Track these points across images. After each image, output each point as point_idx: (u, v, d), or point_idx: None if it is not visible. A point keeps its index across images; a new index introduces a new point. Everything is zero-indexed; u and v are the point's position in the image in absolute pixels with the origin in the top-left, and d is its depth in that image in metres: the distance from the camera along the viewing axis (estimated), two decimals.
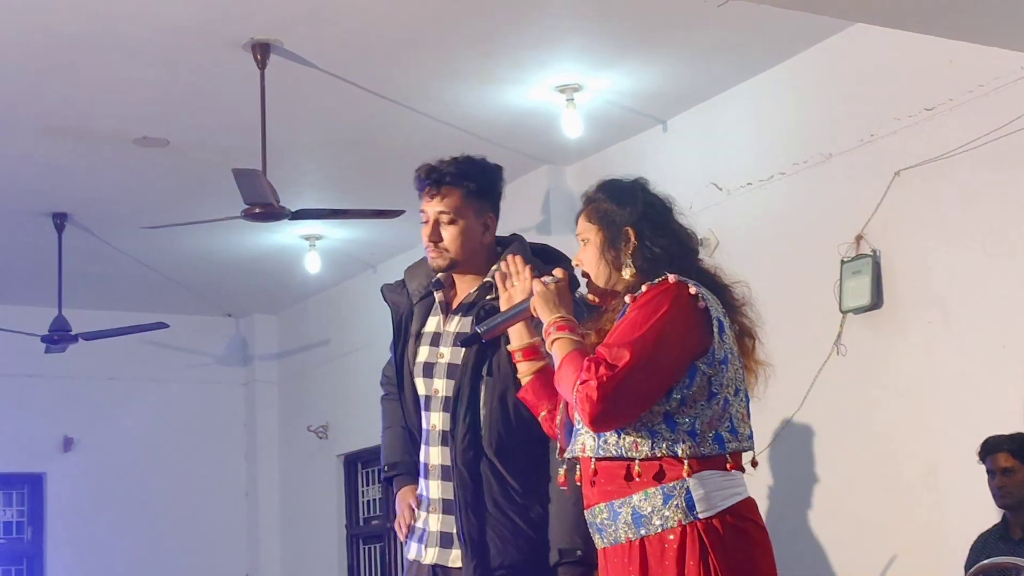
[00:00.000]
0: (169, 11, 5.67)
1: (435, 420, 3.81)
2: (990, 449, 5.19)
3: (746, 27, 6.10)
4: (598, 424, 2.95)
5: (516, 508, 3.70)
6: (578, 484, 3.15)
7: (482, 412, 3.71)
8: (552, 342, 3.11)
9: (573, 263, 3.29)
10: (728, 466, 2.99)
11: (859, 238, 6.09)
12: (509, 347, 3.39)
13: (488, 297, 3.76)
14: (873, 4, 5.00)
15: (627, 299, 3.04)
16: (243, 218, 6.45)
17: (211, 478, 11.00)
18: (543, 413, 3.30)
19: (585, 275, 3.22)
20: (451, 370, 3.78)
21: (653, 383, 2.93)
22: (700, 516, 2.93)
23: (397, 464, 4.01)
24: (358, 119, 7.05)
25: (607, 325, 3.10)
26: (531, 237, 3.84)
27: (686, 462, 2.94)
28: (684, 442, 2.95)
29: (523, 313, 3.29)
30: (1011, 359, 5.47)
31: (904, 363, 5.92)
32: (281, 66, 6.20)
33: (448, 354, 3.81)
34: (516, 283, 3.37)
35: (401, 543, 3.97)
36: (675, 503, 2.94)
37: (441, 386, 3.80)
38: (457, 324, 3.83)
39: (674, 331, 2.95)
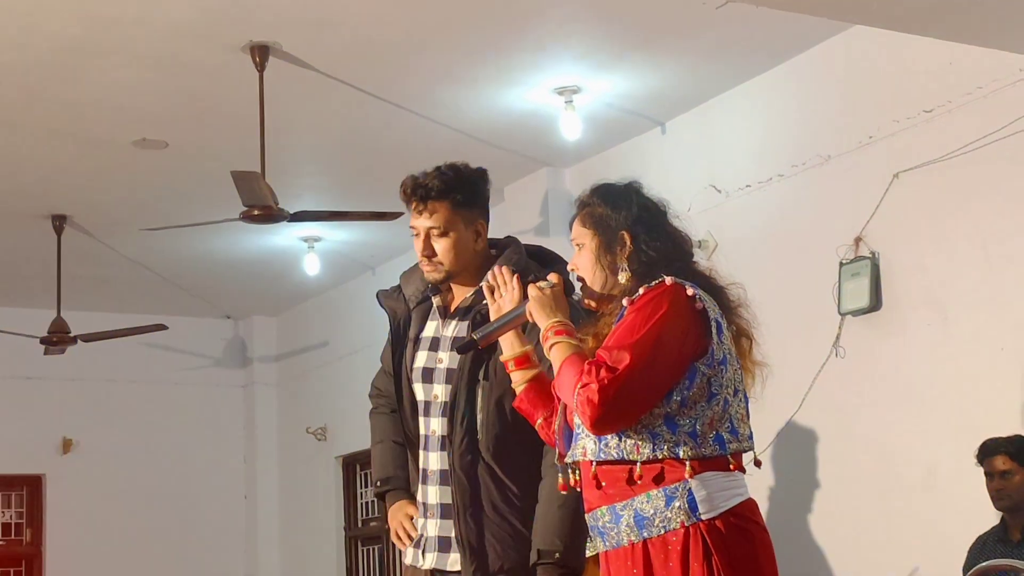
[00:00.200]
0: (168, 14, 5.68)
1: (434, 425, 3.80)
2: (988, 452, 5.19)
3: (744, 29, 6.10)
4: (599, 427, 2.95)
5: (515, 511, 3.70)
6: (576, 489, 3.15)
7: (479, 416, 3.71)
8: (550, 346, 3.11)
9: (568, 267, 3.28)
10: (730, 467, 3.00)
11: (858, 240, 6.09)
12: (501, 357, 3.40)
13: (484, 301, 3.75)
14: (871, 6, 5.01)
15: (624, 302, 3.04)
16: (242, 220, 6.46)
17: (210, 480, 11.00)
18: (539, 421, 3.31)
19: (580, 279, 3.21)
20: (450, 375, 3.78)
21: (653, 385, 2.94)
22: (703, 517, 2.93)
23: (390, 479, 3.99)
24: (356, 121, 7.05)
25: (604, 329, 3.10)
26: (530, 239, 3.86)
27: (688, 463, 2.94)
28: (685, 443, 2.95)
29: (519, 318, 3.29)
30: (1009, 361, 5.47)
31: (903, 365, 5.92)
32: (280, 68, 6.20)
33: (447, 359, 3.81)
34: (504, 294, 3.38)
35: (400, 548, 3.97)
36: (677, 505, 2.94)
37: (440, 391, 3.79)
38: (455, 328, 3.83)
39: (672, 333, 2.96)
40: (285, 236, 8.77)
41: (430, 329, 3.89)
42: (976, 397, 5.59)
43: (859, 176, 6.14)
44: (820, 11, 5.23)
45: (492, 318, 3.38)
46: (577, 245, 3.22)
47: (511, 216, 7.90)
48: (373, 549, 10.29)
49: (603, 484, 3.03)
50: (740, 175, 6.77)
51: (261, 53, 6.05)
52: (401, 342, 3.93)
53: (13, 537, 10.54)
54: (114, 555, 10.44)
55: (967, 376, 5.64)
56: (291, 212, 6.56)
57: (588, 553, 3.72)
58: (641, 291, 3.03)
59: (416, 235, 3.80)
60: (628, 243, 3.13)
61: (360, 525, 10.44)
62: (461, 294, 3.85)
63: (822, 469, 6.30)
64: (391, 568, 9.88)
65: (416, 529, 3.85)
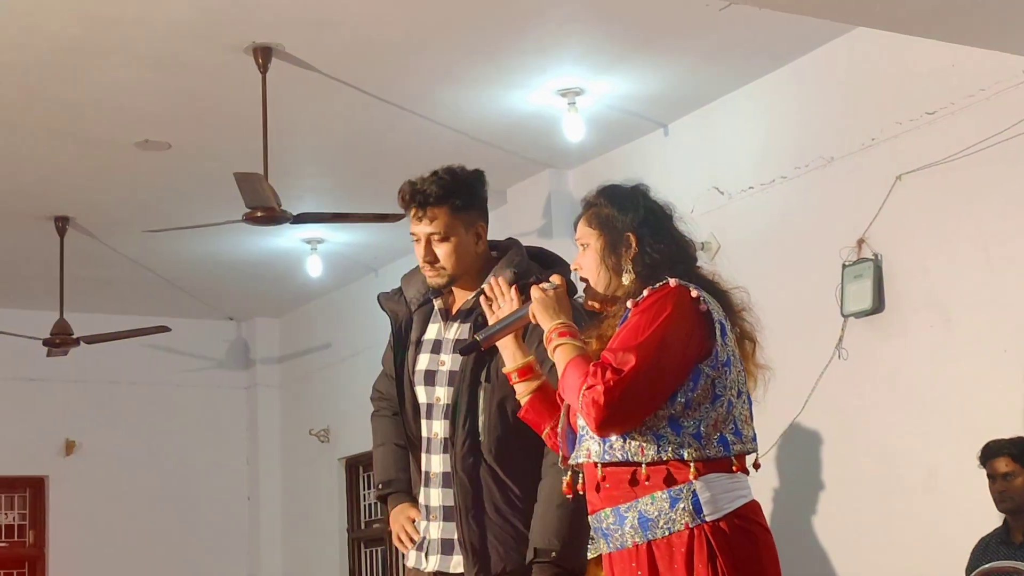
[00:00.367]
0: (171, 14, 5.68)
1: (437, 428, 3.80)
2: (990, 453, 5.19)
3: (747, 31, 6.10)
4: (604, 429, 2.95)
5: (517, 513, 3.70)
6: (580, 492, 3.15)
7: (481, 419, 3.71)
8: (554, 348, 3.11)
9: (572, 268, 3.28)
10: (733, 468, 3.00)
11: (860, 242, 6.09)
12: (504, 369, 3.39)
13: None
14: (874, 8, 5.01)
15: (629, 304, 3.04)
16: (245, 222, 6.46)
17: (213, 481, 11.00)
18: (546, 430, 3.30)
19: (584, 280, 3.21)
20: (452, 377, 3.78)
21: (658, 387, 2.94)
22: (707, 519, 2.93)
23: (391, 481, 3.99)
24: (359, 123, 7.05)
25: (608, 331, 3.10)
26: (533, 241, 3.86)
27: (692, 465, 2.94)
28: (690, 445, 2.95)
29: (521, 320, 3.29)
30: (1012, 363, 5.47)
31: (905, 367, 5.92)
32: (283, 70, 6.21)
33: (449, 361, 3.81)
34: (502, 305, 3.38)
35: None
36: (682, 506, 2.94)
37: (443, 394, 3.79)
38: (456, 331, 3.83)
39: (677, 334, 2.96)
40: (288, 238, 8.77)
41: (432, 332, 3.89)
42: (978, 399, 5.59)
43: (862, 178, 6.14)
44: (823, 13, 5.23)
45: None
46: (582, 245, 3.21)
47: (514, 218, 7.90)
48: (376, 551, 10.29)
49: (607, 486, 3.03)
50: (743, 177, 6.77)
51: (264, 54, 6.05)
52: (403, 345, 3.92)
53: (16, 539, 10.54)
54: (117, 556, 10.45)
55: (969, 378, 5.64)
56: (294, 214, 6.56)
57: (590, 555, 3.72)
58: (645, 293, 3.03)
59: (417, 241, 3.79)
60: (633, 245, 3.13)
61: (363, 527, 10.44)
62: (462, 296, 3.85)
63: (824, 471, 6.30)
64: (394, 570, 9.87)
65: (418, 532, 3.85)
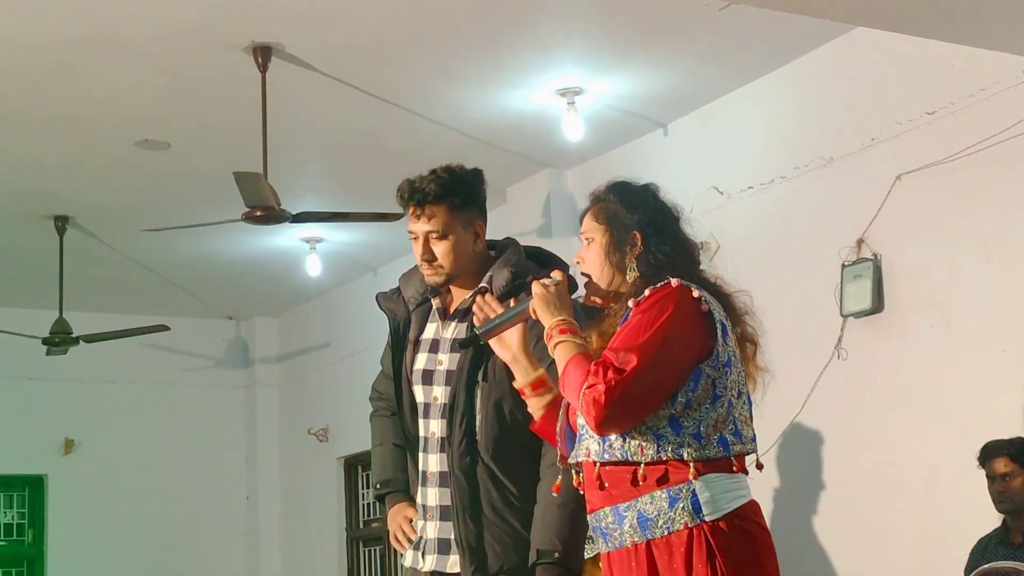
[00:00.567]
0: (171, 14, 5.68)
1: (434, 427, 3.80)
2: (989, 454, 5.19)
3: (747, 31, 6.10)
4: (604, 428, 2.95)
5: (514, 512, 3.69)
6: (580, 491, 3.15)
7: (478, 418, 3.70)
8: (555, 345, 3.10)
9: (574, 261, 3.27)
10: (733, 468, 3.00)
11: (860, 242, 6.09)
12: (515, 384, 3.36)
13: None
14: (874, 8, 5.01)
15: (630, 303, 3.04)
16: (244, 221, 6.46)
17: (211, 481, 11.00)
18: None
19: (585, 275, 3.21)
20: (449, 377, 3.77)
21: (660, 387, 2.94)
22: (706, 519, 2.93)
23: (389, 481, 3.99)
24: (359, 122, 7.05)
25: (609, 329, 3.10)
26: (532, 240, 3.85)
27: (691, 465, 2.94)
28: (689, 445, 2.95)
29: (522, 314, 3.28)
30: (1011, 363, 5.47)
31: (904, 367, 5.92)
32: (282, 69, 6.21)
33: (446, 360, 3.80)
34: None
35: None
36: (681, 506, 2.94)
37: (440, 393, 3.79)
38: (454, 330, 3.82)
39: (679, 334, 2.96)
40: (287, 237, 8.77)
41: (430, 331, 3.89)
42: (978, 399, 5.59)
43: (861, 178, 6.14)
44: (823, 13, 5.22)
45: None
46: (586, 240, 3.21)
47: (513, 217, 7.90)
48: (375, 550, 10.29)
49: (606, 485, 3.02)
50: (742, 177, 6.77)
51: (263, 54, 6.05)
52: (401, 344, 3.92)
53: (15, 537, 10.54)
54: (116, 556, 10.44)
55: (969, 378, 5.64)
56: (293, 213, 6.56)
57: (588, 554, 3.72)
58: (647, 292, 3.03)
59: (415, 239, 3.79)
60: (639, 244, 3.13)
61: (362, 526, 10.44)
62: (460, 295, 3.85)
63: (824, 471, 6.30)
64: (392, 569, 9.88)
65: (415, 531, 3.85)
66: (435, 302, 3.89)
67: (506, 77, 6.52)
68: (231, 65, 6.17)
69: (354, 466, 10.43)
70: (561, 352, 3.08)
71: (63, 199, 8.00)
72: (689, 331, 2.98)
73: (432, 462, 3.80)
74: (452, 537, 3.74)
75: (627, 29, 6.09)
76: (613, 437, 2.99)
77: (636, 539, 2.98)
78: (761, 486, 6.26)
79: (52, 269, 8.53)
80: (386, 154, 7.42)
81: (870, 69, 6.15)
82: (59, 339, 8.63)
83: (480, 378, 3.71)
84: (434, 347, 3.85)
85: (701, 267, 3.19)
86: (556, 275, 3.22)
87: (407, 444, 3.92)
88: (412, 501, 3.89)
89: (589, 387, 2.93)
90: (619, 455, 2.99)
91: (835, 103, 6.33)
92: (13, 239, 8.63)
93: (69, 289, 8.67)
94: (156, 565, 10.58)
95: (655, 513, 2.96)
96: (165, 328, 9.08)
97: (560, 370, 3.07)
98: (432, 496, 3.80)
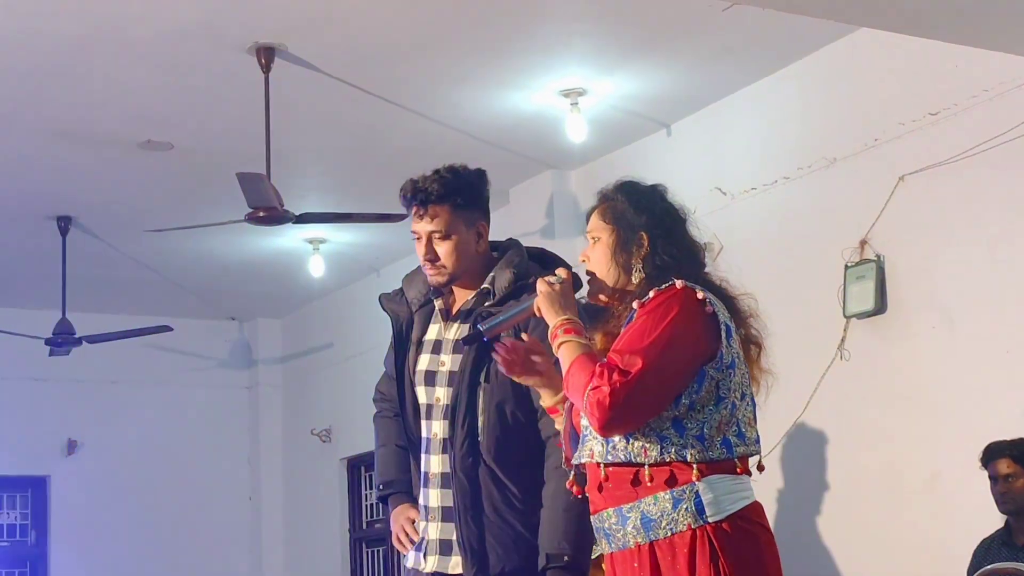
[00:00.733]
0: (174, 15, 5.68)
1: (436, 428, 3.80)
2: (992, 455, 5.19)
3: (750, 32, 6.10)
4: (608, 429, 2.95)
5: (516, 514, 3.69)
6: (584, 493, 3.15)
7: (480, 419, 3.70)
8: (559, 345, 3.10)
9: (579, 259, 3.26)
10: (737, 470, 3.00)
11: (863, 243, 6.09)
12: (542, 403, 3.36)
13: (486, 304, 3.75)
14: (877, 9, 5.01)
15: (635, 305, 3.04)
16: (247, 222, 6.46)
17: (214, 482, 11.00)
18: None
19: (589, 273, 3.20)
20: (452, 378, 3.77)
21: (664, 389, 2.94)
22: (710, 520, 2.93)
23: (393, 482, 3.99)
24: (362, 123, 7.05)
25: (614, 329, 3.10)
26: (535, 241, 3.85)
27: (695, 466, 2.94)
28: (693, 447, 2.95)
29: (526, 311, 3.27)
30: (1014, 364, 5.47)
31: (907, 368, 5.92)
32: (285, 70, 6.21)
33: (449, 362, 3.80)
34: None
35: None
36: (685, 507, 2.94)
37: (443, 394, 3.79)
38: (457, 331, 3.82)
39: (683, 336, 2.96)
40: (290, 238, 8.77)
41: (432, 332, 3.88)
42: (981, 400, 5.58)
43: (864, 179, 6.14)
44: (826, 14, 5.22)
45: None
46: (592, 238, 3.20)
47: (516, 218, 7.90)
48: (378, 551, 10.29)
49: (610, 486, 3.03)
50: (745, 177, 6.77)
51: (266, 55, 6.05)
52: (403, 345, 3.92)
53: (18, 538, 10.54)
54: (118, 556, 10.45)
55: (972, 379, 5.63)
56: (296, 214, 6.56)
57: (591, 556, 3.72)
58: (651, 294, 3.03)
59: (418, 239, 3.79)
60: (645, 244, 3.12)
61: (365, 527, 10.44)
62: (463, 296, 3.85)
63: (827, 472, 6.30)
64: (395, 570, 9.87)
65: (417, 533, 3.85)
66: (438, 303, 3.89)
67: (509, 78, 6.52)
68: (234, 66, 6.17)
69: (357, 467, 10.43)
70: (565, 352, 3.07)
71: (66, 200, 8.00)
72: (693, 333, 2.98)
73: (434, 463, 3.80)
74: (454, 538, 3.73)
75: (630, 30, 6.09)
76: (616, 438, 2.99)
77: (639, 540, 2.98)
78: (764, 487, 6.26)
79: (55, 270, 8.53)
80: (389, 155, 7.42)
81: (873, 70, 6.14)
82: (62, 340, 8.63)
83: (482, 379, 3.71)
84: (437, 348, 3.85)
85: (706, 269, 3.19)
86: (561, 272, 3.21)
87: (409, 445, 3.92)
88: (415, 502, 3.89)
89: (594, 389, 2.92)
90: (623, 456, 2.99)
91: (838, 104, 6.33)
92: (16, 240, 8.63)
93: (72, 290, 8.67)
94: (159, 566, 10.58)
95: (658, 514, 2.96)
96: (168, 329, 9.08)
97: (564, 370, 3.07)
98: (434, 497, 3.80)
